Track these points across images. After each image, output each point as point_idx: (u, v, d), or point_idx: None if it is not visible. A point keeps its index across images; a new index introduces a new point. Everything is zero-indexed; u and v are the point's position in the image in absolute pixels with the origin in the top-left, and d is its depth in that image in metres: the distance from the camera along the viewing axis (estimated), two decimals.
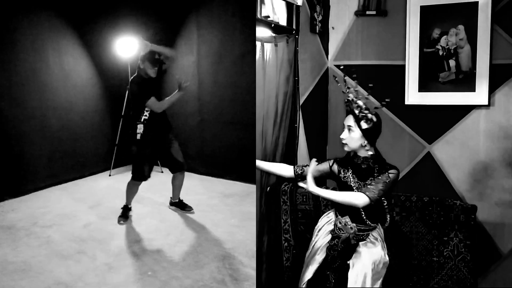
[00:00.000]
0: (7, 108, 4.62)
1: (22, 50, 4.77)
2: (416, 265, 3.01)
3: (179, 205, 4.33)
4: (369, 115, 2.38)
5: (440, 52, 3.50)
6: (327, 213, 2.73)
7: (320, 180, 2.79)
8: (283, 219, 3.27)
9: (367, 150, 2.43)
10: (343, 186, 2.52)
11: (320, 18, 3.76)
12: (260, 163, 2.76)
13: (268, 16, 3.21)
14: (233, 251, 3.40)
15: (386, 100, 2.42)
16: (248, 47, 5.01)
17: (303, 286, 2.61)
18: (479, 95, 3.38)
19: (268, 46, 3.16)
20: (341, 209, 2.53)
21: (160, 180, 5.55)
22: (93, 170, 5.76)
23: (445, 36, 3.48)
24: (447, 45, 3.47)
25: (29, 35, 4.83)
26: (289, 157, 3.55)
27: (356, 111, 2.40)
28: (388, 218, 2.56)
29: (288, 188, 3.27)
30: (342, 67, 2.65)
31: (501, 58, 3.32)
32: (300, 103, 3.65)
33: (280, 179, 3.42)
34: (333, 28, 3.89)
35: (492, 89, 3.36)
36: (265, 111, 3.20)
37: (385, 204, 2.52)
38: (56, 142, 5.22)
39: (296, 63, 3.54)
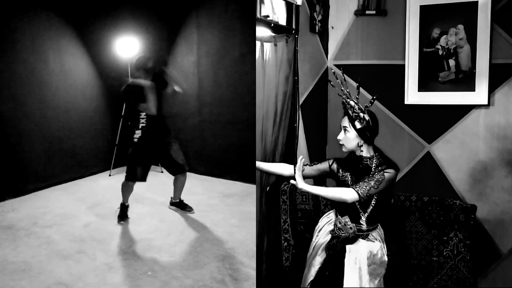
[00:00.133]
0: (7, 108, 4.63)
1: (22, 50, 4.78)
2: (415, 264, 3.01)
3: (179, 205, 4.33)
4: (361, 115, 2.41)
5: (440, 52, 3.49)
6: (327, 213, 2.74)
7: (320, 180, 2.80)
8: (282, 218, 3.27)
9: (365, 149, 2.46)
10: (342, 186, 2.53)
11: (320, 17, 3.76)
12: (260, 164, 2.77)
13: (268, 16, 3.21)
14: (233, 251, 3.40)
15: (374, 97, 2.43)
16: (248, 47, 5.01)
17: (307, 287, 2.61)
18: (479, 94, 3.38)
19: (267, 46, 3.16)
20: (341, 209, 2.54)
21: (160, 180, 5.56)
22: (93, 170, 5.77)
23: (444, 36, 3.47)
24: (446, 44, 3.47)
25: (29, 35, 4.84)
26: (289, 157, 3.55)
27: (349, 112, 2.43)
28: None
29: (288, 187, 3.27)
30: (332, 70, 2.65)
31: (500, 57, 3.32)
32: (300, 103, 3.64)
33: (280, 179, 3.42)
34: (332, 27, 3.89)
35: (491, 89, 3.35)
36: (264, 111, 3.20)
37: (385, 203, 2.53)
38: (56, 142, 5.23)
39: (295, 62, 3.53)
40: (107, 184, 5.35)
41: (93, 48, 5.66)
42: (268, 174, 3.29)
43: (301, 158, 2.48)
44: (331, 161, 2.62)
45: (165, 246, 3.51)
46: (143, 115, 3.82)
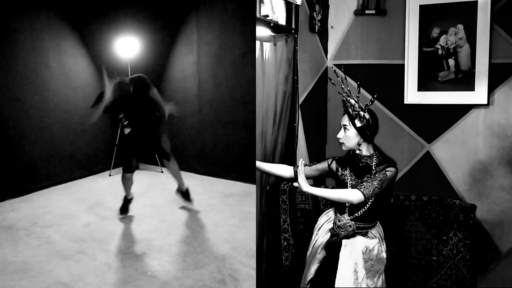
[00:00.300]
0: (7, 108, 4.63)
1: (22, 50, 4.78)
2: (415, 264, 3.01)
3: (182, 194, 4.38)
4: (362, 113, 2.41)
5: (440, 52, 3.50)
6: (326, 211, 2.74)
7: (320, 179, 2.80)
8: (282, 218, 3.27)
9: (365, 148, 2.46)
10: (341, 185, 2.53)
11: (319, 17, 3.76)
12: (260, 164, 2.78)
13: (267, 15, 3.21)
14: (233, 251, 3.40)
15: (375, 96, 2.44)
16: (248, 47, 5.01)
17: (307, 286, 2.61)
18: (479, 94, 3.38)
19: (267, 46, 3.16)
20: (340, 207, 2.54)
21: (160, 180, 5.57)
22: (93, 170, 5.77)
23: (444, 36, 3.48)
24: (446, 44, 3.47)
25: (29, 35, 4.84)
26: (288, 157, 3.56)
27: (350, 110, 2.43)
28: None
29: (288, 187, 3.27)
30: (333, 68, 2.66)
31: (500, 57, 3.32)
32: (299, 103, 3.65)
33: (280, 178, 3.42)
34: (332, 27, 3.89)
35: (491, 89, 3.35)
36: (264, 110, 3.20)
37: (384, 201, 2.53)
38: (56, 142, 5.23)
39: (295, 62, 3.54)
40: (107, 184, 5.35)
41: (93, 48, 5.66)
42: (268, 174, 3.29)
43: (302, 161, 2.49)
44: (330, 160, 2.63)
45: (165, 246, 3.51)
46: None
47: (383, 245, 2.56)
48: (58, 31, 5.22)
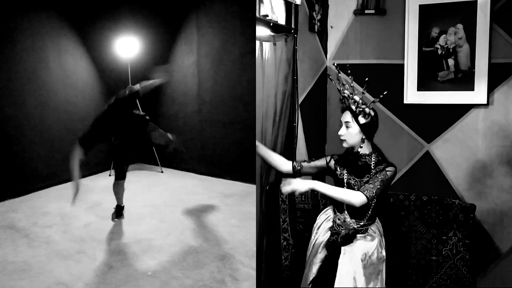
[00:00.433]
0: (7, 108, 4.64)
1: (22, 50, 4.79)
2: (415, 264, 3.01)
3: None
4: (367, 110, 2.41)
5: (439, 51, 3.49)
6: (325, 210, 2.74)
7: (318, 177, 2.79)
8: (282, 218, 3.27)
9: (365, 145, 2.45)
10: (339, 183, 2.53)
11: (319, 17, 3.76)
12: (260, 148, 2.74)
13: (267, 15, 3.21)
14: (233, 251, 3.41)
15: (384, 93, 2.44)
16: (248, 47, 5.02)
17: (309, 286, 2.60)
18: (478, 94, 3.38)
19: (266, 45, 3.16)
20: (340, 205, 2.54)
21: (160, 180, 5.58)
22: (93, 170, 5.78)
23: (444, 35, 3.47)
24: (446, 44, 3.47)
25: (29, 35, 4.85)
26: (288, 156, 3.55)
27: (353, 107, 2.42)
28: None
29: None
30: (335, 63, 2.65)
31: (500, 57, 3.31)
32: (299, 102, 3.65)
33: (279, 178, 3.42)
34: (331, 27, 3.89)
35: (491, 88, 3.35)
36: (264, 110, 3.21)
37: (383, 199, 2.53)
38: (56, 142, 5.23)
39: (294, 62, 3.54)
40: (107, 184, 5.34)
41: (93, 48, 5.67)
42: (268, 173, 3.29)
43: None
44: (328, 158, 2.62)
45: (165, 246, 3.52)
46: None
47: (382, 241, 2.56)
48: (58, 31, 5.22)
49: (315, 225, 2.70)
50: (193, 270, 3.12)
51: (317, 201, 3.18)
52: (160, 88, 6.24)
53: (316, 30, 3.74)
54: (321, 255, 2.60)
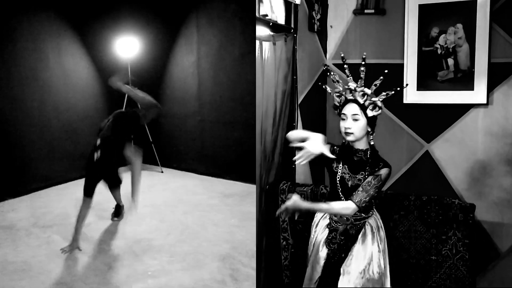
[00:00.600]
0: (7, 108, 4.64)
1: (22, 50, 4.79)
2: (414, 263, 3.01)
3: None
4: (379, 102, 2.39)
5: (439, 51, 3.49)
6: None
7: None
8: (281, 217, 3.28)
9: (364, 141, 2.42)
10: (333, 176, 2.52)
11: (319, 16, 3.76)
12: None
13: (267, 15, 3.21)
14: (233, 251, 3.41)
15: (400, 87, 2.45)
16: (248, 47, 5.02)
17: (315, 286, 2.59)
18: (478, 93, 3.38)
19: (266, 45, 3.16)
20: (335, 201, 2.53)
21: (160, 180, 5.58)
22: None
23: (443, 35, 3.47)
24: (445, 43, 3.47)
25: (29, 35, 4.85)
26: (287, 156, 3.56)
27: (361, 99, 2.39)
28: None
29: (287, 187, 3.27)
30: (342, 54, 2.62)
31: (499, 56, 3.32)
32: (299, 102, 3.65)
33: (279, 178, 3.43)
34: (331, 26, 3.89)
35: (490, 88, 3.35)
36: (264, 110, 3.21)
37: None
38: (56, 142, 5.24)
39: (294, 61, 3.54)
40: None
41: (93, 48, 5.67)
42: (268, 172, 3.31)
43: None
44: (330, 146, 2.54)
45: (165, 246, 3.52)
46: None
47: (379, 235, 2.54)
48: (58, 31, 5.23)
49: (312, 223, 2.69)
50: (193, 270, 3.12)
51: (317, 200, 3.18)
52: (160, 88, 6.25)
53: (315, 30, 3.74)
54: (322, 253, 2.59)
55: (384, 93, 2.44)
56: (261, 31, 3.17)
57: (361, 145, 2.44)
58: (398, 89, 2.44)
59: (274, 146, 3.39)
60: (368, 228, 2.52)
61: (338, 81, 2.52)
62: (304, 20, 3.64)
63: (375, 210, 2.58)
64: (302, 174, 3.73)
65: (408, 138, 3.66)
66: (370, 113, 2.39)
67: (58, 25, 5.22)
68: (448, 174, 3.53)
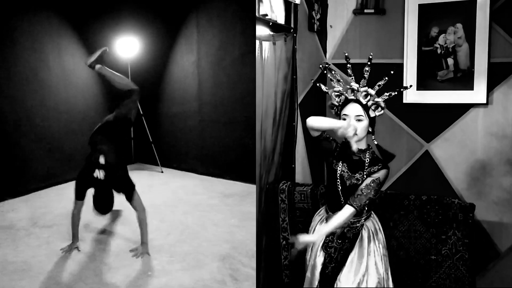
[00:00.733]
0: (7, 108, 4.64)
1: (22, 50, 4.79)
2: (414, 263, 3.01)
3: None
4: (382, 103, 2.39)
5: (438, 51, 3.49)
6: (318, 211, 2.73)
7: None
8: (281, 217, 3.28)
9: (364, 140, 2.43)
10: (332, 173, 2.52)
11: (318, 16, 3.76)
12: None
13: (266, 15, 3.21)
14: (233, 251, 3.41)
15: (406, 86, 2.50)
16: (248, 47, 5.02)
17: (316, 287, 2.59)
18: (478, 93, 3.37)
19: (266, 45, 3.17)
20: (332, 204, 2.53)
21: (160, 180, 5.58)
22: None
23: (443, 35, 3.47)
24: (445, 43, 3.47)
25: (29, 35, 4.85)
26: (287, 155, 3.56)
27: (364, 100, 2.40)
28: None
29: (286, 186, 3.28)
30: (346, 54, 2.62)
31: (499, 56, 3.31)
32: (298, 102, 3.65)
33: (278, 177, 3.43)
34: (331, 26, 3.88)
35: (490, 88, 3.35)
36: (264, 110, 3.21)
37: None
38: (56, 142, 5.24)
39: (294, 61, 3.54)
40: None
41: (93, 48, 5.64)
42: (268, 172, 3.31)
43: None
44: (334, 143, 2.55)
45: (165, 246, 3.52)
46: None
47: (381, 237, 2.54)
48: (58, 31, 5.23)
49: (310, 227, 2.69)
50: (193, 270, 3.12)
51: (316, 200, 3.18)
52: (160, 88, 6.26)
53: (315, 30, 3.74)
54: (320, 258, 2.59)
55: (387, 94, 2.45)
56: (261, 31, 3.18)
57: (362, 145, 2.44)
58: (402, 90, 2.44)
59: (274, 146, 3.40)
60: (365, 233, 2.52)
61: (339, 81, 2.52)
62: (304, 20, 3.65)
63: (373, 212, 2.59)
64: (301, 174, 3.73)
65: (408, 137, 3.65)
66: (372, 113, 2.40)
67: (58, 25, 5.22)
68: (448, 174, 3.53)
